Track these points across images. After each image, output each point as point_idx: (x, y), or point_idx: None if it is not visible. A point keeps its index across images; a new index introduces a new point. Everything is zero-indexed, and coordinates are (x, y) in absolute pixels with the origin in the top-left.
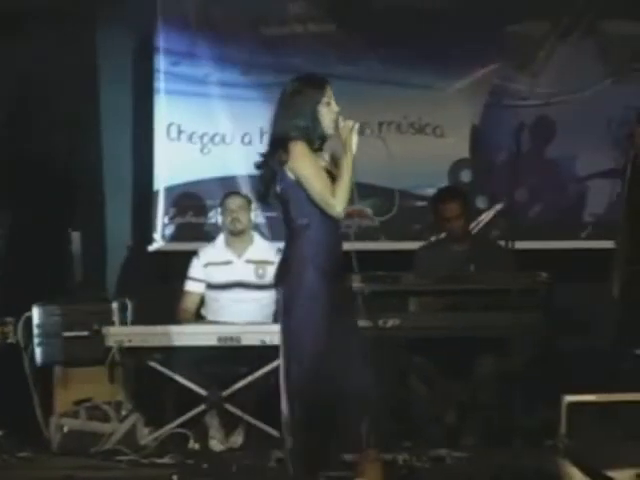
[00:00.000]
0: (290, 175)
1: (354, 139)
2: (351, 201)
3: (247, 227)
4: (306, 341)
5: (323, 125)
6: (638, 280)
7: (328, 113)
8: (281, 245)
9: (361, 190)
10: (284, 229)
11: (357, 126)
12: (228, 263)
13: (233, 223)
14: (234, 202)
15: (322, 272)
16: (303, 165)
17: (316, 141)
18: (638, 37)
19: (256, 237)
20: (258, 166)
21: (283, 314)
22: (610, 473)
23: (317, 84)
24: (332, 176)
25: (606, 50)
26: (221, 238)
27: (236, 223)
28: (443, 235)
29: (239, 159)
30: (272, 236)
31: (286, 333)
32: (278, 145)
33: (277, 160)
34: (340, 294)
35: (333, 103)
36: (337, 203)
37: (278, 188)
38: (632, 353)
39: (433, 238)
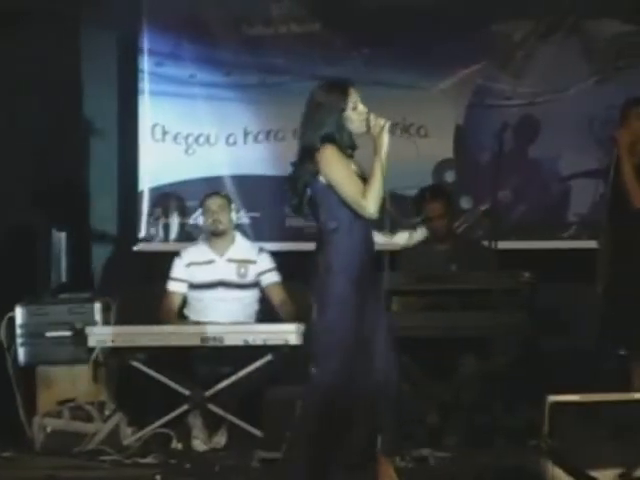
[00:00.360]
0: (321, 180)
1: (385, 138)
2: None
3: (228, 227)
4: (336, 343)
5: (352, 130)
6: (621, 281)
7: (356, 116)
8: (263, 245)
9: None
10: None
11: (388, 125)
12: (210, 262)
13: (214, 224)
14: (214, 203)
15: (351, 275)
16: (333, 169)
17: (346, 145)
18: (621, 36)
19: (238, 237)
20: (290, 178)
21: (315, 317)
22: (593, 473)
23: (340, 91)
24: (364, 179)
25: (589, 49)
26: (203, 238)
27: (217, 224)
28: (426, 234)
29: (223, 160)
30: (255, 236)
31: (316, 335)
32: (306, 156)
33: (307, 171)
34: (371, 297)
35: (360, 105)
36: (369, 204)
37: (309, 195)
38: (616, 353)
39: (419, 237)
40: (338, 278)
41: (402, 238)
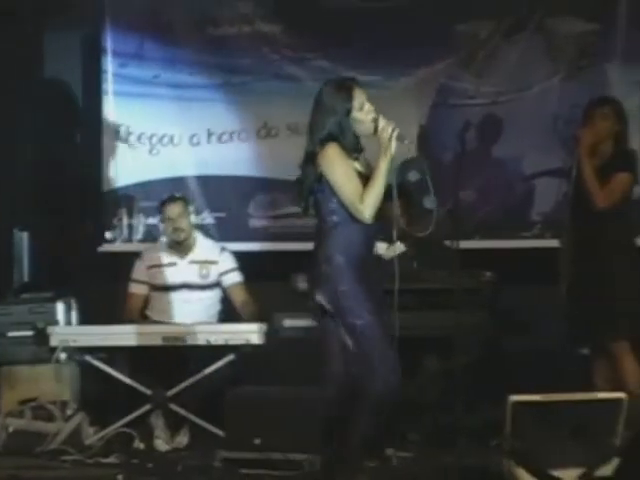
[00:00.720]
0: (324, 181)
1: (393, 145)
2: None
3: (189, 232)
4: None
5: (359, 131)
6: (584, 280)
7: (364, 116)
8: (227, 245)
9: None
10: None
11: (397, 132)
12: (172, 265)
13: (175, 233)
14: (173, 211)
15: (351, 266)
16: (333, 169)
17: (351, 146)
18: (584, 35)
19: (199, 237)
20: (297, 181)
21: (328, 314)
22: (555, 473)
23: (344, 92)
24: (368, 179)
25: (552, 48)
26: (164, 240)
27: (178, 232)
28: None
29: (188, 160)
30: (220, 236)
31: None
32: (310, 158)
33: (311, 175)
34: (372, 290)
35: (367, 105)
36: (365, 209)
37: (314, 197)
38: (578, 353)
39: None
40: (339, 269)
41: (381, 248)
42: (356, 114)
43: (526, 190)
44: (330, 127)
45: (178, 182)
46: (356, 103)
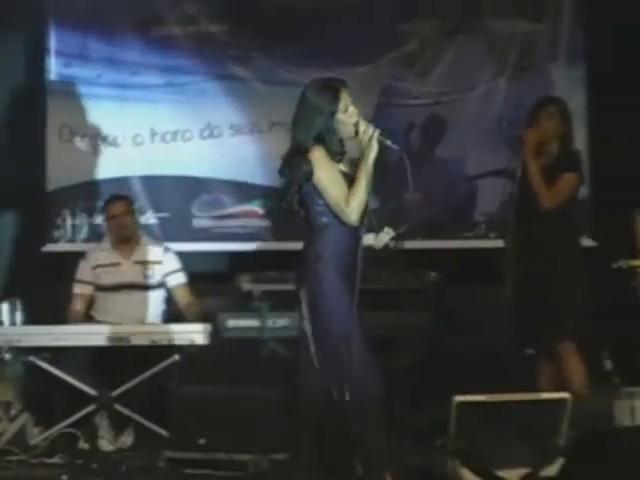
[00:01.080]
0: (312, 180)
1: (374, 147)
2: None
3: (133, 230)
4: (335, 339)
5: (342, 132)
6: (528, 280)
7: (347, 119)
8: (171, 245)
9: (252, 190)
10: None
11: (377, 134)
12: (116, 265)
13: (120, 230)
14: (117, 208)
15: (340, 264)
16: (319, 172)
17: (335, 148)
18: (527, 35)
19: (143, 238)
20: (281, 174)
21: (308, 315)
22: (500, 473)
23: (330, 93)
24: (353, 180)
25: (496, 49)
26: (108, 240)
27: (123, 230)
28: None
29: (131, 160)
30: (163, 237)
31: (314, 334)
32: (297, 155)
33: (300, 171)
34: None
35: (351, 108)
36: (351, 212)
37: (300, 194)
38: (523, 353)
39: None
40: (329, 266)
41: (369, 240)
42: (340, 116)
43: (469, 190)
44: (318, 127)
45: (121, 182)
46: (341, 105)
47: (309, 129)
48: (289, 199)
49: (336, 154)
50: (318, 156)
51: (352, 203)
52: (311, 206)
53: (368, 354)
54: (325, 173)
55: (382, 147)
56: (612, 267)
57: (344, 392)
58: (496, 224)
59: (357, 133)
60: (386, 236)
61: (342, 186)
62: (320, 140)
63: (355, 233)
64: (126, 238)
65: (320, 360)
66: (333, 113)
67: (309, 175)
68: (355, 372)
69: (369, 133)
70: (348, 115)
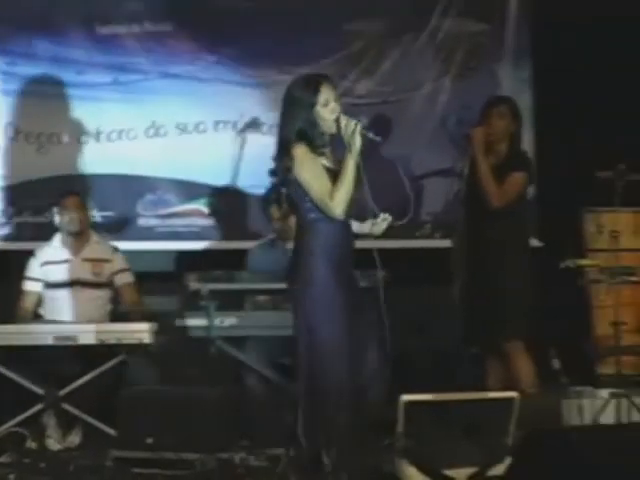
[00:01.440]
0: (295, 178)
1: (357, 140)
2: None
3: (85, 226)
4: (324, 336)
5: (323, 127)
6: (476, 280)
7: (327, 114)
8: (115, 244)
9: (197, 189)
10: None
11: (359, 127)
12: (65, 262)
13: (71, 223)
14: (71, 202)
15: (332, 266)
16: (302, 169)
17: (318, 142)
18: (474, 35)
19: (93, 236)
20: (271, 172)
21: (297, 310)
22: (448, 472)
23: (312, 86)
24: (336, 175)
25: (443, 48)
26: (58, 237)
27: (74, 223)
28: (274, 234)
29: (76, 158)
30: (110, 235)
31: (302, 330)
32: (282, 150)
33: (282, 165)
34: (350, 289)
35: (333, 103)
36: (335, 206)
37: (287, 190)
38: (471, 352)
39: (270, 236)
40: (320, 261)
41: (366, 227)
42: (320, 109)
43: (416, 190)
44: (301, 120)
45: (67, 180)
46: (321, 99)
47: (291, 124)
48: (276, 196)
49: (318, 148)
50: (300, 153)
51: (336, 197)
52: (300, 203)
53: (364, 349)
54: (307, 169)
55: (365, 140)
56: (560, 267)
57: (339, 389)
58: (442, 224)
59: (339, 129)
60: (383, 223)
61: (325, 181)
62: (302, 135)
63: (346, 227)
64: (77, 232)
65: (312, 356)
66: (312, 105)
67: (289, 170)
68: (348, 368)
69: (351, 127)
70: (329, 110)
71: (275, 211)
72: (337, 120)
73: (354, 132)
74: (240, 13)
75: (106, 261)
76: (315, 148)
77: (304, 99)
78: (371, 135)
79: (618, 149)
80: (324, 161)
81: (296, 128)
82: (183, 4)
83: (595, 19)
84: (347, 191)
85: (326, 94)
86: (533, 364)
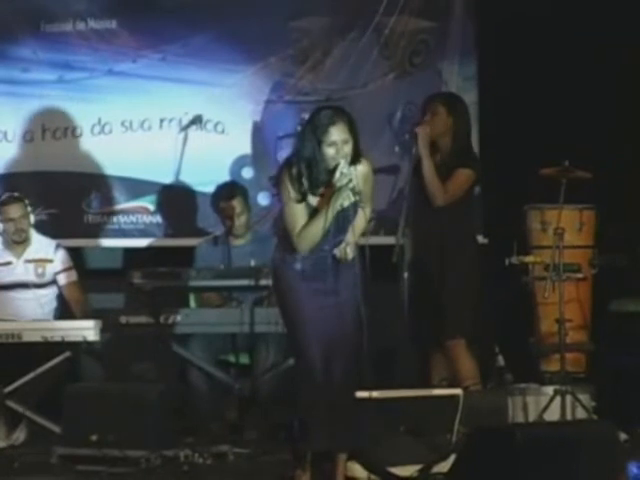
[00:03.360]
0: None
1: (343, 196)
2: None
3: (29, 232)
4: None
5: (323, 165)
6: (422, 278)
7: (331, 155)
8: (61, 241)
9: (143, 187)
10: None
11: (352, 185)
12: (7, 264)
13: (17, 233)
14: (15, 211)
15: (305, 267)
16: (281, 194)
17: (320, 176)
18: (419, 32)
19: (34, 236)
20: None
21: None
22: (392, 469)
23: (323, 123)
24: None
25: (387, 46)
26: (0, 240)
27: (20, 233)
28: (223, 231)
29: (21, 156)
30: (54, 233)
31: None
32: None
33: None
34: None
35: (341, 146)
36: (299, 244)
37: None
38: (415, 350)
39: (217, 233)
40: (292, 262)
41: None
42: (325, 149)
43: None
44: (308, 150)
45: (12, 178)
46: (329, 140)
47: (300, 147)
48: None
49: (318, 184)
50: (283, 178)
51: (303, 236)
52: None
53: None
54: (284, 197)
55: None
56: (505, 264)
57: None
58: (387, 220)
59: (334, 174)
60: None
61: (298, 216)
62: (309, 164)
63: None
64: (22, 241)
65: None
66: (320, 142)
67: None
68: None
69: (343, 182)
70: (335, 151)
71: (226, 209)
72: (336, 167)
73: (344, 188)
74: (185, 11)
75: (48, 261)
76: (315, 182)
77: (313, 134)
78: (357, 199)
79: (562, 146)
80: (310, 198)
81: (304, 154)
82: (127, 2)
83: (539, 17)
84: (314, 234)
85: (335, 136)
86: (477, 361)
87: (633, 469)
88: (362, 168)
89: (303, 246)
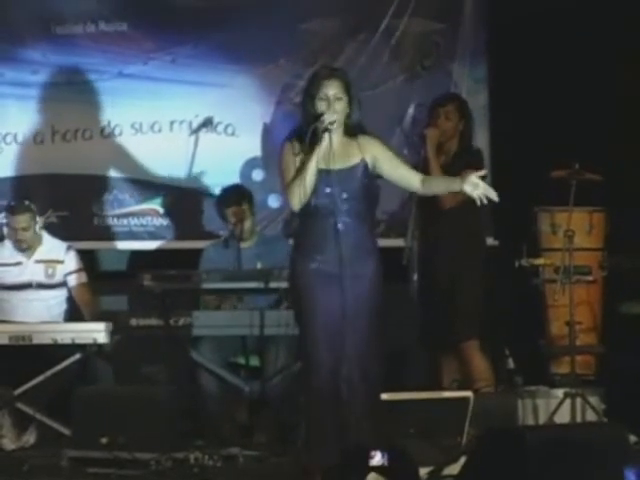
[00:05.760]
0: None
1: (325, 138)
2: None
3: (33, 241)
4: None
5: (314, 119)
6: (432, 280)
7: (322, 109)
8: (71, 244)
9: (152, 189)
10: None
11: (334, 126)
12: (18, 264)
13: (19, 244)
14: (18, 223)
15: (316, 259)
16: (280, 163)
17: (307, 136)
18: (429, 35)
19: (45, 236)
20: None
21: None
22: None
23: (317, 78)
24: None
25: (397, 48)
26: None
27: (20, 243)
28: (230, 234)
29: (32, 158)
30: (64, 235)
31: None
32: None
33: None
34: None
35: (333, 101)
36: (289, 197)
37: None
38: (426, 352)
39: (224, 236)
40: (305, 256)
41: None
42: (318, 103)
43: None
44: (307, 110)
45: (22, 181)
46: (320, 94)
47: (303, 112)
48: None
49: (310, 144)
50: (281, 150)
51: (290, 189)
52: None
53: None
54: (282, 165)
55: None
56: (515, 266)
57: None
58: (397, 223)
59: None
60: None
61: (292, 170)
62: (298, 130)
63: (331, 220)
64: (23, 250)
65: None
66: (312, 97)
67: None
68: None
69: (324, 124)
70: (326, 107)
71: (232, 213)
72: (322, 114)
73: (325, 130)
74: (195, 13)
75: (59, 262)
76: (304, 145)
77: (307, 89)
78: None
79: (573, 148)
80: (312, 161)
81: (307, 117)
82: (138, 4)
83: (550, 19)
84: (298, 186)
85: (327, 89)
86: (490, 363)
87: (630, 476)
88: (369, 138)
89: (292, 199)
